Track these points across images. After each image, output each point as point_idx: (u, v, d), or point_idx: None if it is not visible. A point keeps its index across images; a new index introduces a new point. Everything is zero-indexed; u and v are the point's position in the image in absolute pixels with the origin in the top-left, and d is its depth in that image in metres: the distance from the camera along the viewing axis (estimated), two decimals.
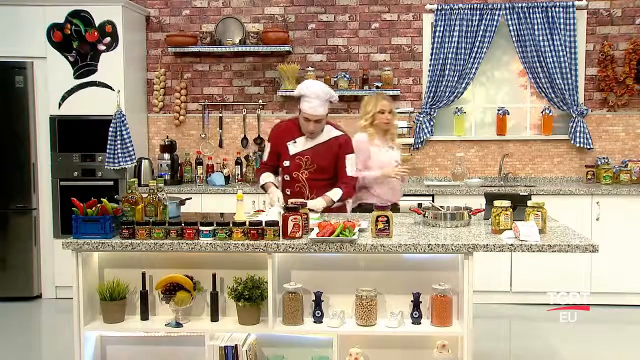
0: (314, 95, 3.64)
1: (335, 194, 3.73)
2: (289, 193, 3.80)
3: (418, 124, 5.71)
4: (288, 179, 3.83)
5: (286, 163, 3.81)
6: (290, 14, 5.87)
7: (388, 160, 4.08)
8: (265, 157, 3.95)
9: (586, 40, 5.64)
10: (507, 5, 5.53)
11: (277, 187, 3.78)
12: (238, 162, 5.84)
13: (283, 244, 2.95)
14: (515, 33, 5.55)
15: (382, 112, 4.08)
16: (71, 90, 5.42)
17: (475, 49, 5.57)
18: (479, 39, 5.55)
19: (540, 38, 5.49)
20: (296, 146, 3.79)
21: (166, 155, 5.73)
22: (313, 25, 5.87)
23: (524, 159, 5.80)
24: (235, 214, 3.30)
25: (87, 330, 3.12)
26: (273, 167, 3.91)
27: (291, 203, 3.09)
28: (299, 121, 3.77)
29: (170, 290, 3.07)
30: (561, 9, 5.48)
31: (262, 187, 3.88)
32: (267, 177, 3.86)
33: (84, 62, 5.41)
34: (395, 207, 4.01)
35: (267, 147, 3.96)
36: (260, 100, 5.92)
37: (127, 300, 3.20)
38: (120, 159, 5.37)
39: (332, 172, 3.82)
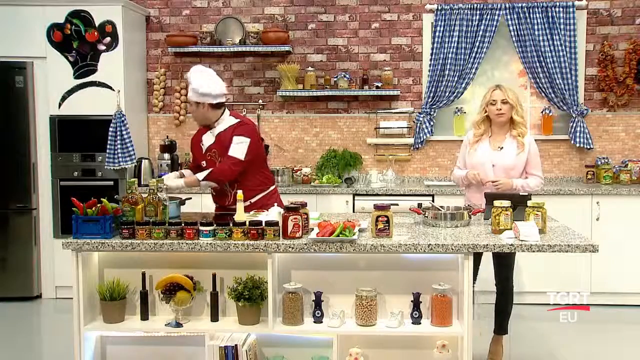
0: (190, 82, 3.75)
1: (202, 173, 3.70)
2: (214, 194, 3.85)
3: (418, 124, 5.71)
4: None
5: (203, 163, 3.83)
6: (290, 14, 5.87)
7: (479, 162, 3.78)
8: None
9: (586, 40, 5.64)
10: (507, 5, 5.53)
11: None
12: None
13: (283, 244, 2.95)
14: (515, 33, 5.55)
15: (493, 104, 3.74)
16: (71, 90, 5.42)
17: (475, 49, 5.57)
18: (479, 39, 5.55)
19: (540, 38, 5.49)
20: (204, 144, 3.83)
21: (166, 155, 5.74)
22: (313, 25, 5.87)
23: None
24: (235, 213, 3.30)
25: (87, 330, 3.12)
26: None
27: (291, 203, 3.09)
28: None
29: (170, 290, 3.07)
30: (561, 9, 5.48)
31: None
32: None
33: (84, 62, 5.41)
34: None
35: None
36: (260, 100, 5.92)
37: (127, 300, 3.20)
38: (120, 159, 5.37)
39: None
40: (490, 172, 3.76)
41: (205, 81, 3.70)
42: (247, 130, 3.75)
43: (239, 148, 3.68)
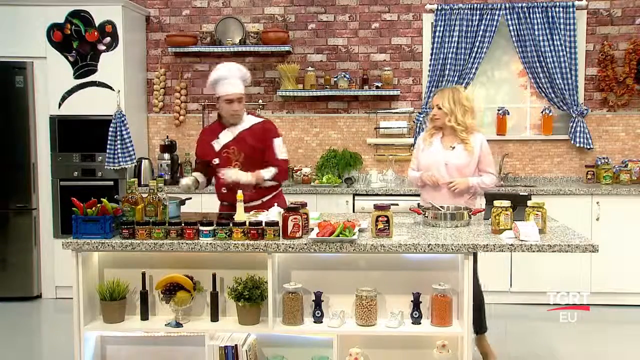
0: (232, 74, 3.70)
1: (268, 171, 3.69)
2: (225, 191, 3.75)
3: (418, 124, 5.71)
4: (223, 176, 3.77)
5: (216, 161, 3.77)
6: (290, 14, 5.87)
7: (433, 161, 3.80)
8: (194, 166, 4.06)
9: (586, 40, 5.64)
10: (507, 5, 5.53)
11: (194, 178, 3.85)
12: None
13: (283, 244, 2.95)
14: (515, 33, 5.55)
15: (432, 108, 3.85)
16: (71, 90, 5.42)
17: (475, 49, 5.57)
18: (479, 39, 5.55)
19: (540, 38, 5.49)
20: (220, 141, 3.76)
21: (166, 155, 5.74)
22: (313, 25, 5.87)
23: (524, 159, 5.80)
24: (235, 213, 3.30)
25: (87, 330, 3.12)
26: (202, 169, 3.91)
27: (291, 203, 3.09)
28: (221, 112, 3.76)
29: (170, 290, 3.07)
30: (561, 9, 5.48)
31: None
32: (193, 174, 3.91)
33: (84, 62, 5.41)
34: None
35: (195, 158, 4.06)
36: (260, 100, 5.92)
37: (127, 300, 3.20)
38: (120, 159, 5.37)
39: (262, 160, 3.76)
40: (444, 171, 3.77)
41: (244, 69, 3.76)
42: (276, 130, 3.83)
43: (283, 149, 3.78)
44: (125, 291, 3.17)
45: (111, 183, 5.48)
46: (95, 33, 5.37)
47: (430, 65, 5.65)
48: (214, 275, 3.12)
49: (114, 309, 3.15)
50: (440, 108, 3.77)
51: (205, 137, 3.87)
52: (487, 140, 5.69)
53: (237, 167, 3.69)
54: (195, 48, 5.78)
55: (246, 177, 3.62)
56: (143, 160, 5.64)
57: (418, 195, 5.13)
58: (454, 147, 3.79)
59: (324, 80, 5.74)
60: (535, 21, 5.49)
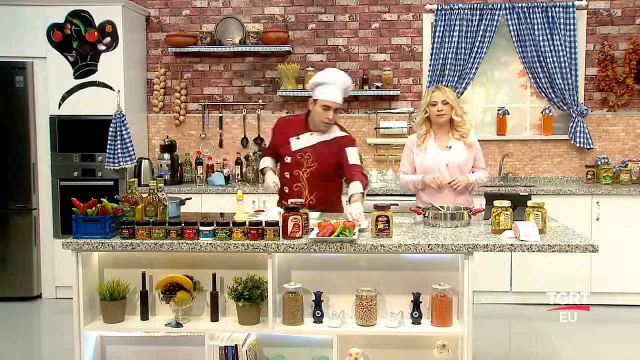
0: (336, 81, 3.64)
1: (358, 187, 3.62)
2: (287, 191, 3.75)
3: None
4: (288, 176, 3.77)
5: (287, 159, 3.75)
6: (290, 14, 5.87)
7: (433, 164, 3.80)
8: (266, 146, 3.99)
9: (586, 40, 5.64)
10: (507, 5, 5.53)
11: (274, 172, 3.82)
12: (238, 162, 5.84)
13: (283, 244, 2.95)
14: (515, 33, 5.55)
15: (434, 105, 3.78)
16: (71, 90, 5.42)
17: (475, 49, 5.57)
18: (479, 39, 5.55)
19: (540, 38, 5.49)
20: (299, 142, 3.73)
21: (166, 155, 5.73)
22: (313, 25, 5.87)
23: (524, 159, 5.80)
24: (235, 214, 3.30)
25: (87, 330, 3.12)
26: (272, 156, 3.92)
27: (291, 203, 3.08)
28: (312, 114, 3.70)
29: (170, 290, 3.07)
30: (561, 9, 5.48)
31: (261, 170, 3.92)
32: (266, 162, 3.90)
33: (84, 62, 5.41)
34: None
35: (269, 137, 4.00)
36: (260, 100, 5.92)
37: (127, 300, 3.20)
38: (120, 159, 5.37)
39: (332, 174, 3.78)
40: (445, 171, 3.79)
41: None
42: (352, 141, 3.82)
43: (355, 155, 3.76)
44: (125, 291, 3.17)
45: (111, 183, 5.47)
46: (95, 33, 5.37)
47: (430, 65, 5.65)
48: (214, 275, 3.12)
49: (114, 309, 3.14)
50: (447, 103, 3.77)
51: (286, 129, 3.81)
52: (487, 141, 5.79)
53: (306, 173, 3.71)
54: (195, 48, 5.78)
55: (361, 208, 3.48)
56: (143, 160, 5.64)
57: None
58: (450, 147, 3.82)
59: None
60: (535, 21, 5.49)
